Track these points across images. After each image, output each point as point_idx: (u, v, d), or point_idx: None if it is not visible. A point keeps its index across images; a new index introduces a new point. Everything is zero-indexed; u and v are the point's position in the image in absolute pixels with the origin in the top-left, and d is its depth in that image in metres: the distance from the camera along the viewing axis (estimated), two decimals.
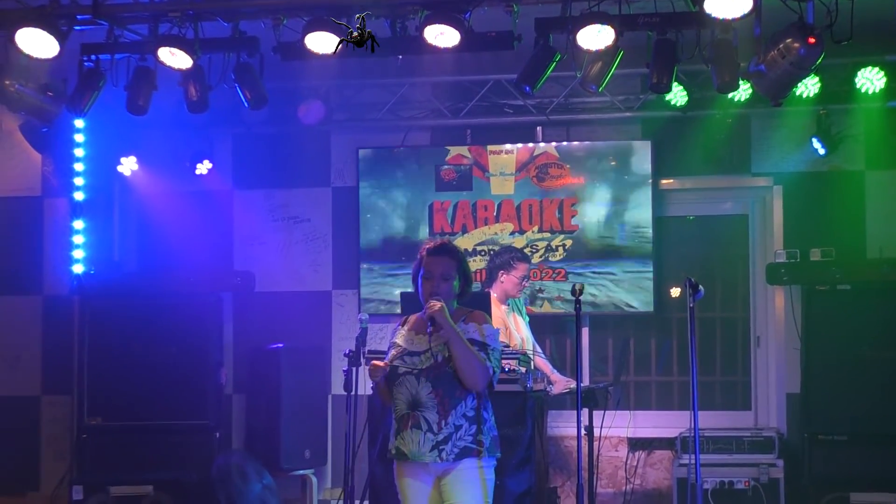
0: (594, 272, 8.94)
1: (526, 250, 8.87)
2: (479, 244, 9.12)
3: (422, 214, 9.19)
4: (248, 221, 9.50)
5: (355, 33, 4.16)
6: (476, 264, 8.97)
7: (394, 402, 5.27)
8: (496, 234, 9.12)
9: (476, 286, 8.89)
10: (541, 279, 8.96)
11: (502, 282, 7.91)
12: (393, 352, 5.31)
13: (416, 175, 9.20)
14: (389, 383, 5.27)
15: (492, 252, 8.68)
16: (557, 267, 9.01)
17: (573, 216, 9.01)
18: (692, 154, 8.93)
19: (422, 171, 9.20)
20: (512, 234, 9.09)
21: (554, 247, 9.04)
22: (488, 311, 7.17)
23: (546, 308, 8.99)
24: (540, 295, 8.98)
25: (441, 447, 5.13)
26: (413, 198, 9.21)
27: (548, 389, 7.76)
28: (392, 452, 5.28)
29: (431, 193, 9.20)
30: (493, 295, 7.79)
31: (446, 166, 9.19)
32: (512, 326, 7.90)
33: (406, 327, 5.38)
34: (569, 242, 9.01)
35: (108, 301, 8.75)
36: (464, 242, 9.10)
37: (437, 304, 5.15)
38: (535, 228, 9.07)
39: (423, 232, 9.16)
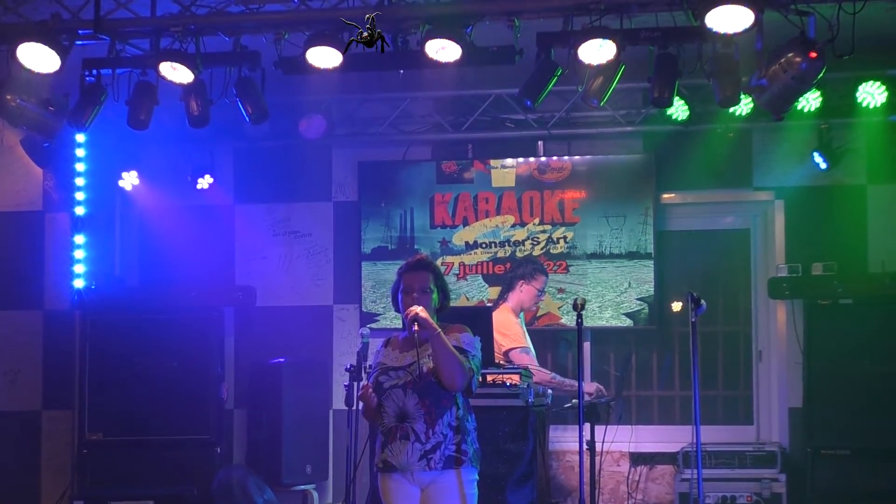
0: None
1: (527, 243, 8.93)
2: (480, 237, 9.12)
3: (423, 213, 9.18)
4: (249, 236, 9.50)
5: (365, 34, 4.14)
6: (476, 257, 9.06)
7: (381, 416, 5.33)
8: (497, 226, 9.11)
9: (482, 282, 8.92)
10: None
11: (521, 291, 7.95)
12: (377, 371, 5.37)
13: (418, 179, 9.22)
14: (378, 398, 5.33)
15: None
16: (558, 259, 9.00)
17: (574, 209, 9.01)
18: (694, 168, 8.92)
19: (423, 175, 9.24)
20: (513, 226, 9.08)
21: (555, 239, 9.02)
22: (488, 325, 7.24)
23: (547, 300, 8.93)
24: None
25: (429, 456, 5.23)
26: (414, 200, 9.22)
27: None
28: (379, 465, 5.36)
29: (433, 186, 9.20)
30: (508, 305, 7.88)
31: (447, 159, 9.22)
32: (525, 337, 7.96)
33: (390, 347, 5.44)
34: (570, 235, 9.00)
35: (108, 316, 8.73)
36: (465, 235, 9.12)
37: (416, 307, 5.24)
38: (536, 220, 9.06)
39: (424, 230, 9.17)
